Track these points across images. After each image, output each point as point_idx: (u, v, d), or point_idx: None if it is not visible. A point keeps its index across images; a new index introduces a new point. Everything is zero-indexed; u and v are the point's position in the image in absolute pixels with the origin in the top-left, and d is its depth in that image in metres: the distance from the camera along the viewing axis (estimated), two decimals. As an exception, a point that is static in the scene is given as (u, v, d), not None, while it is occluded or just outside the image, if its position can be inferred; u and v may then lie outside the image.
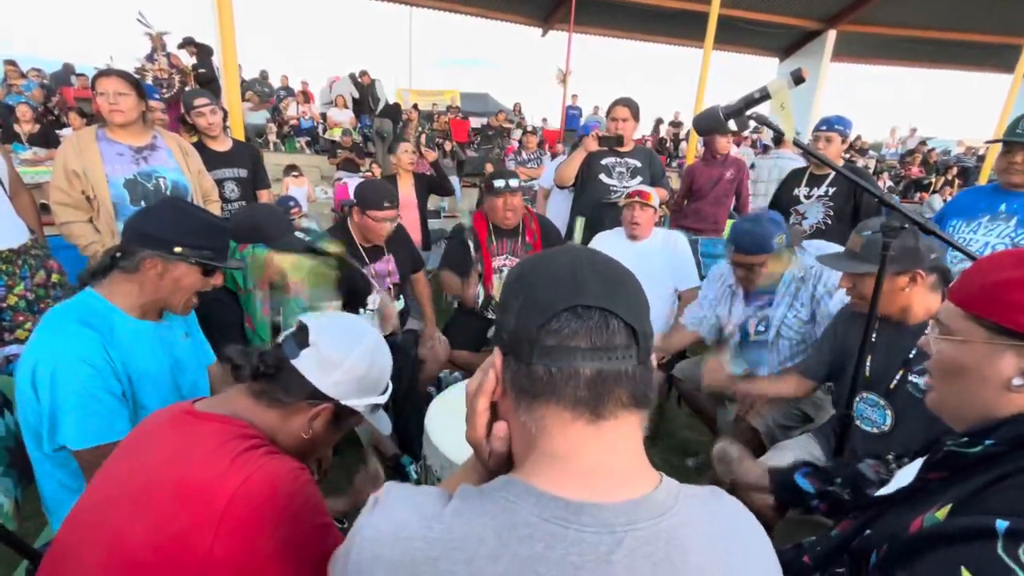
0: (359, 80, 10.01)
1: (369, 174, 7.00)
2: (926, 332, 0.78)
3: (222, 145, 2.78)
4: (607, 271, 0.53)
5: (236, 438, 0.78)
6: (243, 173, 2.83)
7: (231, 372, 0.86)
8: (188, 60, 6.73)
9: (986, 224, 1.95)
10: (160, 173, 2.21)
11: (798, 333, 1.89)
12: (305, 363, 0.85)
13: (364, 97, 9.84)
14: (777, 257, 1.85)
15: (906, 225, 1.18)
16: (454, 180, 8.57)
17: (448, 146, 9.36)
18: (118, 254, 1.18)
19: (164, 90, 5.17)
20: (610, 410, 0.50)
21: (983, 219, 1.96)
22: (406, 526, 0.48)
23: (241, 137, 3.33)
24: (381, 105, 9.84)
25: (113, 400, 1.10)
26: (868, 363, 1.43)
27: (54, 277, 2.27)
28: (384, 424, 1.02)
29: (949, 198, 8.46)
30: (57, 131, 6.68)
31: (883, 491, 0.80)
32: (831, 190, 2.78)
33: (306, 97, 10.13)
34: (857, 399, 1.46)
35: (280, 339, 0.90)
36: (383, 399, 0.96)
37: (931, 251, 1.34)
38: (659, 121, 12.94)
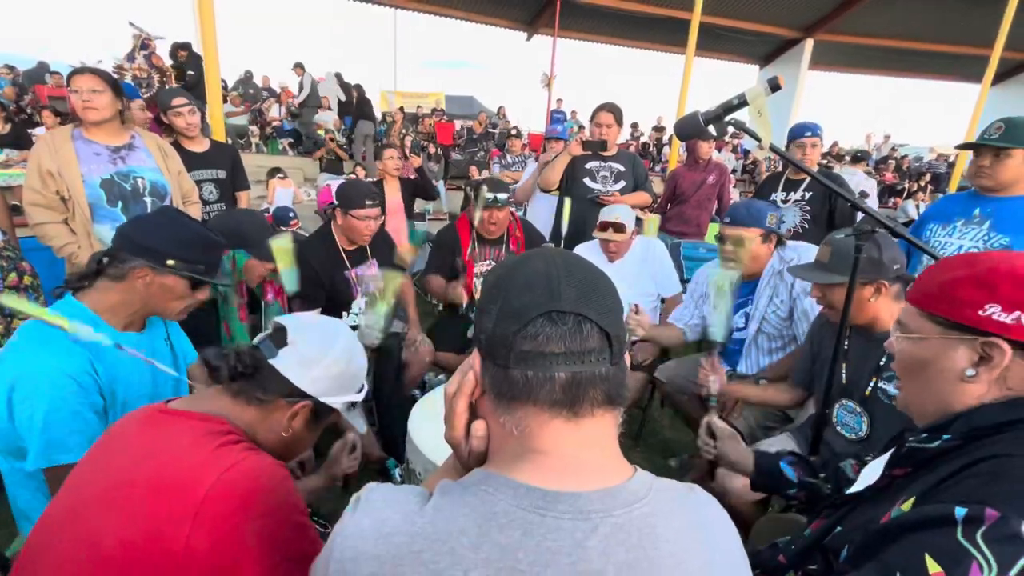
0: (340, 78, 9.80)
1: (353, 176, 6.96)
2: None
3: (200, 146, 2.74)
4: (581, 275, 0.54)
5: (214, 433, 0.78)
6: (222, 174, 2.79)
7: (208, 374, 0.86)
8: (175, 62, 6.62)
9: (960, 228, 1.98)
10: (138, 173, 2.17)
11: (776, 329, 1.93)
12: (284, 361, 0.86)
13: (349, 98, 9.63)
14: (766, 238, 1.89)
15: (877, 229, 1.22)
16: (439, 183, 8.56)
17: (432, 148, 9.33)
18: (105, 259, 1.15)
19: (144, 90, 5.06)
20: (586, 409, 0.52)
21: (958, 223, 1.99)
22: (388, 522, 0.50)
23: (222, 138, 3.29)
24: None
25: (95, 417, 1.08)
26: (844, 371, 1.48)
27: (26, 279, 2.21)
28: (359, 423, 1.05)
29: (922, 204, 8.71)
30: (30, 130, 6.50)
31: (852, 489, 0.83)
32: (807, 195, 2.85)
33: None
34: (836, 406, 1.50)
35: (256, 340, 0.90)
36: (359, 397, 0.97)
37: (894, 262, 1.38)
38: (635, 126, 12.92)
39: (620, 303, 0.56)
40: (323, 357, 0.88)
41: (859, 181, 5.68)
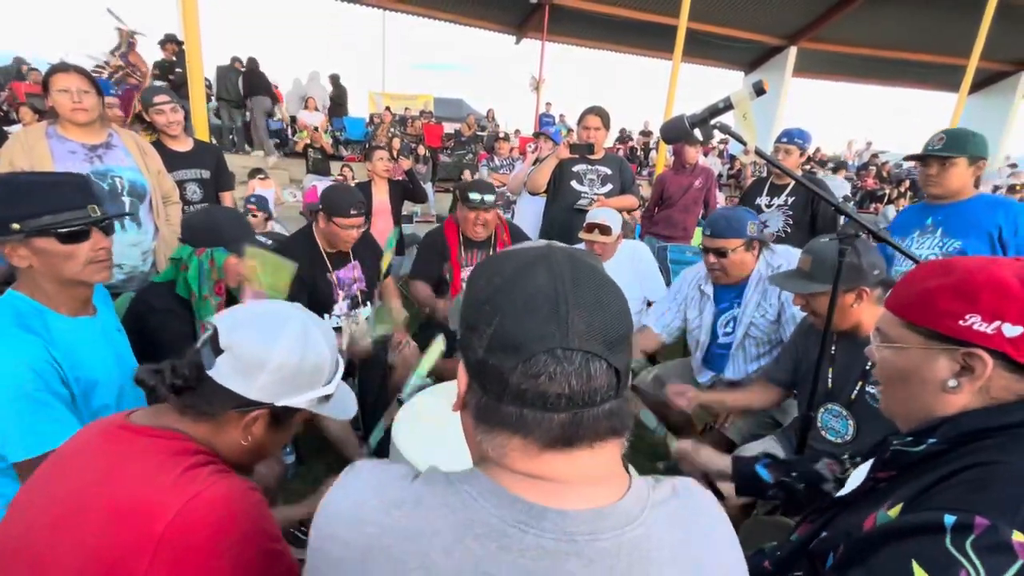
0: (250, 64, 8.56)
1: (340, 178, 6.89)
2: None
3: (183, 145, 2.69)
4: (591, 294, 0.48)
5: (179, 453, 0.71)
6: (206, 174, 2.74)
7: (146, 395, 0.77)
8: (162, 57, 6.46)
9: (917, 238, 2.07)
10: (116, 172, 2.12)
11: (764, 333, 1.93)
12: (222, 371, 0.75)
13: (244, 74, 8.32)
14: (749, 246, 1.90)
15: (861, 233, 1.23)
16: (427, 186, 8.53)
17: (421, 150, 9.29)
18: None
19: (116, 88, 4.94)
20: (586, 443, 0.48)
21: (915, 234, 2.08)
22: (365, 507, 0.48)
23: (206, 138, 3.24)
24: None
25: (60, 404, 1.03)
26: (830, 375, 1.49)
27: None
28: (341, 410, 0.91)
29: (902, 209, 8.90)
30: (6, 128, 6.34)
31: (839, 494, 0.83)
32: (790, 199, 2.89)
33: (275, 99, 9.89)
34: (821, 410, 1.51)
35: (198, 345, 0.80)
36: (330, 389, 0.84)
37: (874, 267, 1.41)
38: (623, 131, 13.01)
39: (630, 318, 0.51)
40: (267, 360, 0.76)
41: (839, 185, 6.18)
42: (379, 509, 0.47)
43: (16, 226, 1.02)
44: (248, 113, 8.39)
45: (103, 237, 1.14)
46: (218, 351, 0.76)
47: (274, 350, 0.76)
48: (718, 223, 1.90)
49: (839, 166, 7.75)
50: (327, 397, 0.86)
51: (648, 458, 2.47)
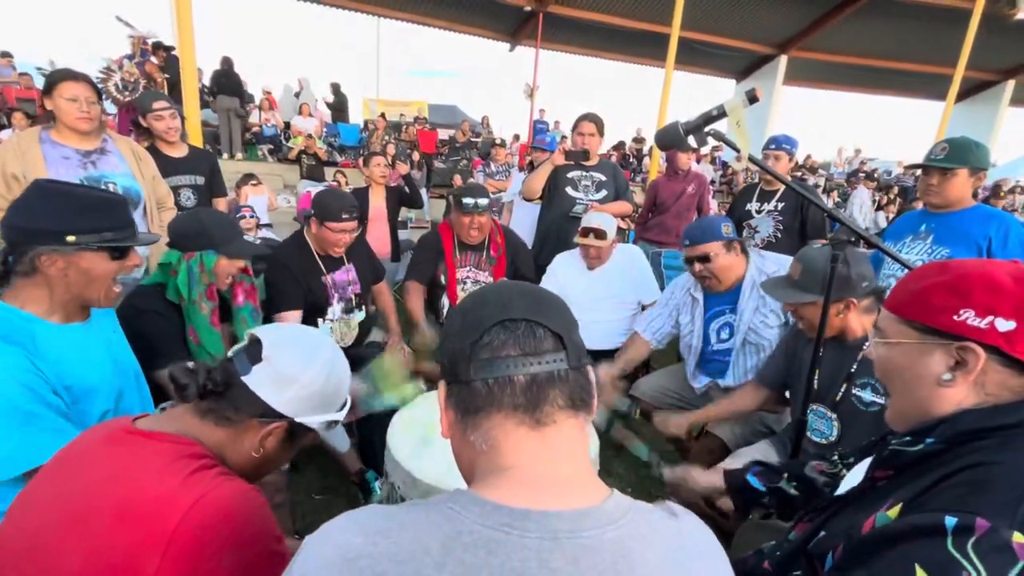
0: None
1: (335, 184, 6.88)
2: (867, 344, 0.83)
3: (178, 151, 2.69)
4: (532, 292, 0.60)
5: (186, 457, 0.73)
6: (200, 180, 2.73)
7: (175, 392, 0.79)
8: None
9: (909, 243, 2.09)
10: (110, 178, 2.11)
11: (766, 338, 1.91)
12: (257, 379, 0.80)
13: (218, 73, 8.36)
14: (729, 247, 1.92)
15: (852, 239, 1.25)
16: (422, 192, 8.52)
17: (416, 157, 9.30)
18: (9, 258, 1.05)
19: (128, 93, 4.88)
20: (547, 413, 0.54)
21: (907, 239, 2.10)
22: (351, 545, 0.48)
23: (200, 143, 3.23)
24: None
25: (53, 413, 1.01)
26: (816, 377, 1.50)
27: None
28: (341, 441, 0.99)
29: (892, 215, 9.01)
30: (-4, 133, 6.30)
31: (837, 492, 0.84)
32: (780, 205, 2.91)
33: (269, 104, 9.89)
34: (808, 411, 1.52)
35: (231, 354, 0.85)
36: (340, 416, 0.92)
37: (863, 279, 1.41)
38: (621, 143, 13.10)
39: (574, 319, 0.60)
40: (300, 375, 0.82)
41: (863, 197, 6.65)
42: (366, 543, 0.48)
43: (72, 238, 1.03)
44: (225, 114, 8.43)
45: (136, 254, 1.17)
46: (256, 360, 0.81)
47: (308, 368, 0.84)
48: (693, 232, 1.95)
49: (867, 176, 7.88)
50: (333, 423, 0.92)
51: (643, 465, 2.45)
